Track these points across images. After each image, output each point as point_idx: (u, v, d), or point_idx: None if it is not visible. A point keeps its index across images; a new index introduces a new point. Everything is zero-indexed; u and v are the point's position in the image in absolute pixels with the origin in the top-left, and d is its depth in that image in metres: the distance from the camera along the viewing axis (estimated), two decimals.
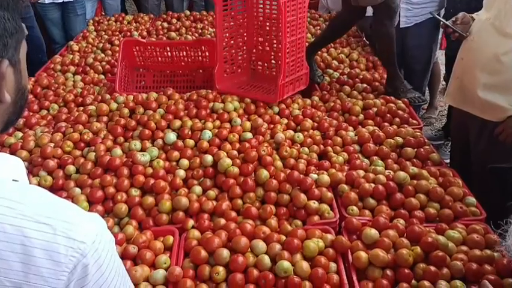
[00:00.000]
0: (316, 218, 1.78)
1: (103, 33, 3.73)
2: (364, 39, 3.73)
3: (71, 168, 1.94)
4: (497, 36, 1.96)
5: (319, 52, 3.20)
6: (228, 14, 2.46)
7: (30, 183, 0.84)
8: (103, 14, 4.51)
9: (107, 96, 2.42)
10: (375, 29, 2.55)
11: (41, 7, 3.86)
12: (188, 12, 4.11)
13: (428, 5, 3.20)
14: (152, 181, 1.86)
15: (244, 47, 2.61)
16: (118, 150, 2.00)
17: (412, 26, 3.29)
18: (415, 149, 2.14)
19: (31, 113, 2.41)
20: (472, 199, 1.85)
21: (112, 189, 1.84)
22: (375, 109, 2.44)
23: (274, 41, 2.54)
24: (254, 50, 2.63)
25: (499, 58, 1.95)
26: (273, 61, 2.58)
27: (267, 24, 2.53)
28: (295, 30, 2.31)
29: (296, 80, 2.44)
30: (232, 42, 2.55)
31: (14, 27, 0.73)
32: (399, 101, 2.54)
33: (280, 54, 2.35)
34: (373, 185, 1.88)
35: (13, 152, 2.01)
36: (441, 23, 2.20)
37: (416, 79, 3.16)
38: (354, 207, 1.82)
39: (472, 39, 2.09)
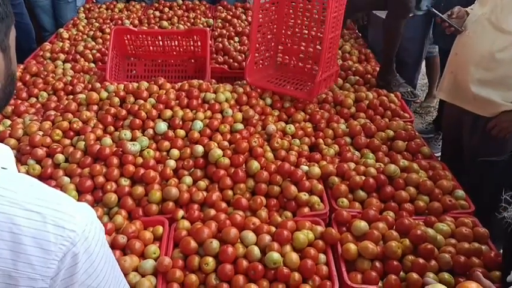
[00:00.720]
0: (306, 209, 1.78)
1: (94, 21, 3.68)
2: (357, 31, 3.72)
3: (60, 157, 1.92)
4: (493, 32, 1.96)
5: (311, 44, 3.20)
6: (263, 6, 2.41)
7: (18, 171, 0.83)
8: (94, 1, 4.45)
9: (98, 84, 2.39)
10: (388, 22, 2.52)
11: None
12: (180, 2, 4.07)
13: None
14: (142, 171, 1.85)
15: (273, 42, 2.56)
16: (107, 140, 1.98)
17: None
18: (406, 142, 2.15)
19: (20, 101, 2.38)
20: (461, 192, 1.86)
21: (101, 179, 1.83)
22: (367, 102, 2.45)
23: (307, 36, 2.49)
24: (281, 44, 2.58)
25: (494, 55, 1.95)
26: (301, 55, 2.53)
27: (302, 19, 2.46)
28: (335, 27, 2.29)
29: (329, 77, 2.41)
30: (262, 34, 2.50)
31: (4, 12, 0.72)
32: (392, 94, 2.55)
33: (311, 49, 2.39)
34: (363, 177, 1.88)
35: (1, 140, 1.99)
36: (438, 17, 2.20)
37: (407, 72, 3.16)
38: (345, 200, 1.82)
39: (467, 34, 2.09)
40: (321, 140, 2.17)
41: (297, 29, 2.51)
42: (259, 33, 2.45)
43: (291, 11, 2.49)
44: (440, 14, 2.18)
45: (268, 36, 2.53)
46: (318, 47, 2.44)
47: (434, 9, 2.25)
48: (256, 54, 2.48)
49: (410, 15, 2.59)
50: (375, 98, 2.48)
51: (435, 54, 3.98)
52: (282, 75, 2.57)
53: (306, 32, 2.49)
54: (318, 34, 2.41)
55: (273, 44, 2.58)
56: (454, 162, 2.16)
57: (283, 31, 2.55)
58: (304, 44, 2.51)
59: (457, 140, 2.28)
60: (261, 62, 2.54)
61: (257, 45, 2.46)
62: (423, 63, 3.83)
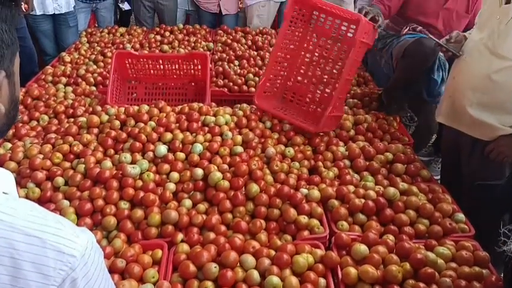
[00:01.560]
0: (306, 233, 1.77)
1: (96, 45, 3.73)
2: None
3: (60, 180, 1.93)
4: (490, 57, 1.98)
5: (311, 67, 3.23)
6: (286, 36, 2.45)
7: (18, 195, 0.84)
8: (96, 25, 4.51)
9: (99, 108, 2.41)
10: (416, 45, 2.50)
11: (33, 19, 3.85)
12: (181, 26, 4.13)
13: None
14: (141, 194, 1.85)
15: (285, 73, 2.57)
16: (107, 163, 1.98)
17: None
18: (405, 165, 2.16)
19: (21, 124, 2.40)
20: (461, 215, 1.86)
21: (100, 202, 1.82)
22: (366, 125, 2.46)
23: (320, 76, 2.49)
24: (292, 79, 2.58)
25: (491, 77, 1.97)
26: (308, 95, 2.52)
27: (319, 59, 2.48)
28: (352, 71, 2.31)
29: (334, 117, 2.36)
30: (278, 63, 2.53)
31: (10, 39, 0.73)
32: (390, 118, 2.56)
33: (318, 92, 2.44)
34: (363, 200, 1.88)
35: (1, 163, 1.99)
36: (435, 42, 2.23)
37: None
38: (344, 223, 1.82)
39: (465, 59, 2.11)
40: (320, 163, 2.17)
41: (310, 68, 2.52)
42: (276, 62, 2.49)
43: (310, 47, 2.50)
44: (437, 40, 2.21)
45: (282, 73, 2.56)
46: (327, 90, 2.44)
47: (431, 35, 2.29)
48: (268, 84, 2.50)
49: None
50: (374, 121, 2.50)
51: None
52: (285, 107, 2.54)
53: (319, 72, 2.49)
54: (331, 78, 2.42)
55: (284, 75, 2.58)
56: (453, 186, 2.16)
57: (296, 68, 2.55)
58: (313, 87, 2.51)
59: (456, 163, 2.29)
60: (269, 91, 2.53)
61: (271, 75, 2.49)
62: None
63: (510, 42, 1.92)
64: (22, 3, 3.50)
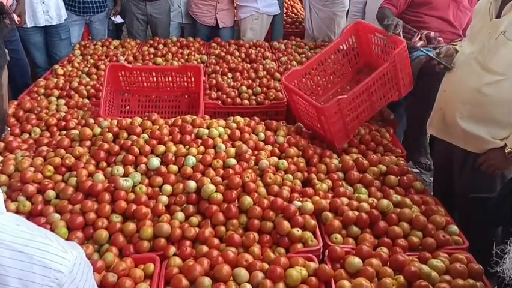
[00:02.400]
0: (299, 245, 1.76)
1: (89, 57, 3.73)
2: None
3: (51, 193, 1.91)
4: (480, 71, 2.00)
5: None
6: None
7: (8, 209, 0.83)
8: (90, 38, 4.52)
9: (91, 120, 2.40)
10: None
11: (24, 31, 3.84)
12: (175, 38, 4.14)
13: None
14: (134, 207, 1.84)
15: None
16: (100, 175, 1.97)
17: None
18: (398, 177, 2.16)
19: (12, 137, 2.38)
20: (454, 228, 1.86)
21: (92, 215, 1.80)
22: (359, 137, 2.47)
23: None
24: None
25: (481, 90, 1.99)
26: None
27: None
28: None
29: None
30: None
31: None
32: (383, 129, 2.57)
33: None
34: (357, 212, 1.88)
35: None
36: (427, 56, 2.25)
37: (396, 108, 3.21)
38: (338, 235, 1.81)
39: (455, 72, 2.13)
40: (313, 175, 2.17)
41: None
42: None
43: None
44: (429, 54, 2.23)
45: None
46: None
47: (422, 49, 2.31)
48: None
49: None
50: (367, 134, 2.50)
51: None
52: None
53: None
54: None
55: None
56: (445, 198, 2.16)
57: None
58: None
59: (448, 176, 2.30)
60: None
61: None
62: None
63: (500, 57, 1.94)
64: (15, 16, 3.51)
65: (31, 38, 3.91)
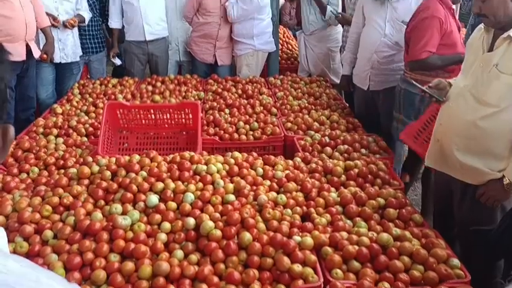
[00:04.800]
0: (300, 282, 1.74)
1: (88, 96, 3.77)
2: (344, 101, 3.84)
3: (49, 234, 1.89)
4: (475, 103, 2.02)
5: (300, 114, 3.30)
6: None
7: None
8: (89, 77, 4.59)
9: (89, 158, 2.41)
10: None
11: (36, 65, 3.89)
12: (172, 76, 4.21)
13: (397, 72, 3.21)
14: (132, 246, 1.82)
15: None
16: (98, 214, 1.96)
17: (381, 90, 3.35)
18: (397, 210, 2.16)
19: (10, 177, 2.38)
20: (456, 261, 1.84)
21: (90, 255, 1.79)
22: (356, 170, 2.48)
23: None
24: None
25: (476, 123, 2.00)
26: None
27: None
28: None
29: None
30: None
31: None
32: (380, 162, 2.58)
33: None
34: (357, 247, 1.86)
35: None
36: (418, 88, 2.28)
37: (392, 141, 3.24)
38: (339, 271, 1.79)
39: (450, 105, 2.16)
40: (312, 210, 2.16)
41: None
42: None
43: None
44: (420, 86, 2.26)
45: None
46: None
47: (414, 81, 2.34)
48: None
49: None
50: (364, 166, 2.51)
51: None
52: None
53: None
54: None
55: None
56: (445, 230, 2.15)
57: None
58: None
59: (448, 208, 2.29)
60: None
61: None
62: None
63: (493, 89, 1.96)
64: (41, 52, 3.61)
65: (42, 72, 3.95)
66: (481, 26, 2.12)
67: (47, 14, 3.80)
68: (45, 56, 3.74)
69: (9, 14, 3.27)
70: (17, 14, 3.31)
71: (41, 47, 3.76)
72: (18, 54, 3.35)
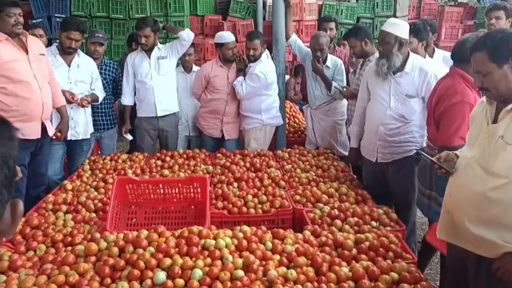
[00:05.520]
0: None
1: (98, 171, 3.81)
2: (351, 173, 3.85)
3: None
4: (484, 174, 2.01)
5: (308, 186, 3.30)
6: None
7: None
8: (99, 153, 4.67)
9: (97, 235, 2.40)
10: None
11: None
12: (181, 150, 4.28)
13: (405, 144, 3.29)
14: None
15: None
16: None
17: (390, 162, 3.38)
18: (412, 286, 2.08)
19: (17, 255, 2.35)
20: None
21: None
22: (367, 243, 2.43)
23: None
24: None
25: (487, 195, 1.97)
26: None
27: None
28: None
29: None
30: None
31: (5, 201, 0.78)
32: (391, 235, 2.53)
33: None
34: None
35: None
36: (428, 159, 2.29)
37: (403, 212, 3.20)
38: None
39: (459, 176, 2.14)
40: (324, 286, 2.10)
41: None
42: None
43: None
44: (430, 157, 2.27)
45: None
46: None
47: (423, 152, 2.36)
48: None
49: None
50: (375, 239, 2.46)
51: None
52: None
53: None
54: None
55: None
56: None
57: None
58: None
59: (463, 283, 2.19)
60: None
61: None
62: None
63: (502, 160, 1.95)
64: (56, 130, 3.70)
65: (52, 149, 3.98)
66: (483, 99, 2.17)
67: (64, 91, 3.92)
68: (59, 134, 3.82)
69: (27, 96, 3.35)
70: (34, 95, 3.39)
71: (53, 125, 3.84)
72: (33, 132, 3.42)
